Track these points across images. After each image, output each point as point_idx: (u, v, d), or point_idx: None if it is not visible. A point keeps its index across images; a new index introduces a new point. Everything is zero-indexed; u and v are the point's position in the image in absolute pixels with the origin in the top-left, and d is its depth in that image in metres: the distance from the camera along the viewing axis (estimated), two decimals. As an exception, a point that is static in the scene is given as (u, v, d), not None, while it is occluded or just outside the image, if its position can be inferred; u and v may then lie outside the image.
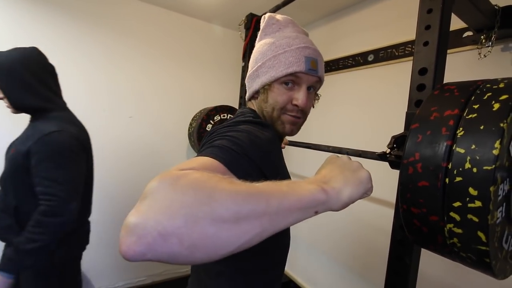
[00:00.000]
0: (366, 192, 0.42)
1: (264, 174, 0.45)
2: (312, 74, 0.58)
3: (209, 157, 0.38)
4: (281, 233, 0.35)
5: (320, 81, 0.62)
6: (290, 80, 0.58)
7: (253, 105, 0.65)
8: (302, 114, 0.62)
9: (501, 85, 0.44)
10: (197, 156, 0.40)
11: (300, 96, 0.58)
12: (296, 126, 0.62)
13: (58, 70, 1.62)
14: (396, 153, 0.70)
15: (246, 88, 0.67)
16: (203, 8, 1.91)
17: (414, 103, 0.70)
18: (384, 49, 1.40)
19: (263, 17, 0.65)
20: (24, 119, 1.01)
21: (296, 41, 0.58)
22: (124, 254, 0.24)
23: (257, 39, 0.66)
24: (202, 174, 0.30)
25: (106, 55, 1.78)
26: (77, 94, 1.71)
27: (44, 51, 1.58)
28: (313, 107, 0.67)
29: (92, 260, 1.81)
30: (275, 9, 1.32)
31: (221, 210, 0.26)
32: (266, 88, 0.60)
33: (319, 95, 0.68)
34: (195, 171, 0.31)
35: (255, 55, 0.63)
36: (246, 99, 0.68)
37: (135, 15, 1.86)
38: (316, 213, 0.34)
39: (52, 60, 1.60)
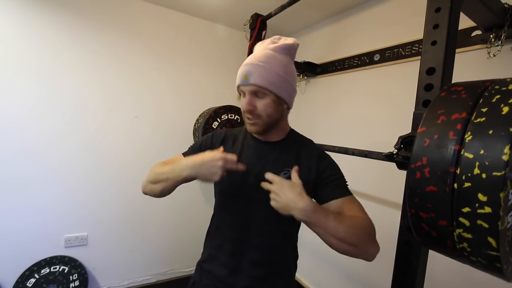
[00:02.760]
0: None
1: None
2: (245, 84, 0.72)
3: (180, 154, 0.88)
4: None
5: (260, 88, 0.71)
6: (240, 92, 0.76)
7: None
8: (254, 116, 0.74)
9: (511, 87, 0.43)
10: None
11: (243, 103, 0.75)
12: (254, 127, 0.76)
13: (67, 68, 1.66)
14: (404, 154, 0.69)
15: None
16: (209, 8, 1.91)
17: (422, 103, 0.69)
18: (391, 48, 1.39)
19: None
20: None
21: (244, 61, 0.75)
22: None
23: None
24: (155, 165, 0.84)
25: (112, 54, 1.79)
26: (90, 94, 1.73)
27: (53, 50, 1.62)
28: (285, 109, 0.79)
29: (98, 259, 1.84)
30: (280, 9, 1.31)
31: (149, 178, 0.81)
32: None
33: (282, 99, 0.75)
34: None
35: None
36: None
37: (142, 15, 1.87)
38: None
39: (60, 58, 1.64)
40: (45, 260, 1.65)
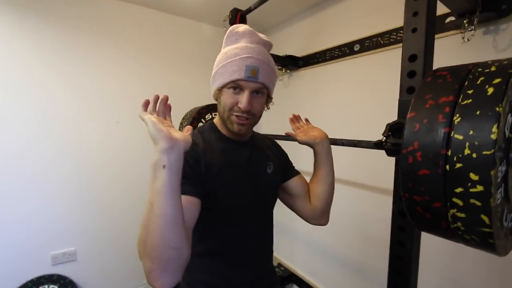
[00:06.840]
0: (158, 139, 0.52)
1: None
2: (252, 81, 0.65)
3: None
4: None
5: (265, 87, 0.69)
6: (234, 86, 0.66)
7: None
8: (249, 115, 0.69)
9: (493, 69, 0.44)
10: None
11: (243, 100, 0.66)
12: (244, 126, 0.70)
13: (40, 76, 1.57)
14: (392, 141, 0.71)
15: None
16: (189, 6, 1.86)
17: (406, 90, 0.71)
18: (370, 38, 1.41)
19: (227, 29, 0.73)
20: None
21: (242, 51, 0.66)
22: None
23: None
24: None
25: (89, 59, 1.72)
26: (61, 99, 1.65)
27: (23, 58, 1.52)
28: (267, 108, 0.76)
29: (89, 274, 1.78)
30: (259, 3, 1.30)
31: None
32: (218, 92, 0.70)
33: (272, 98, 0.76)
34: None
35: (215, 62, 0.72)
36: None
37: (119, 16, 1.80)
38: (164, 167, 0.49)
39: (30, 65, 1.54)
40: (31, 281, 1.57)
